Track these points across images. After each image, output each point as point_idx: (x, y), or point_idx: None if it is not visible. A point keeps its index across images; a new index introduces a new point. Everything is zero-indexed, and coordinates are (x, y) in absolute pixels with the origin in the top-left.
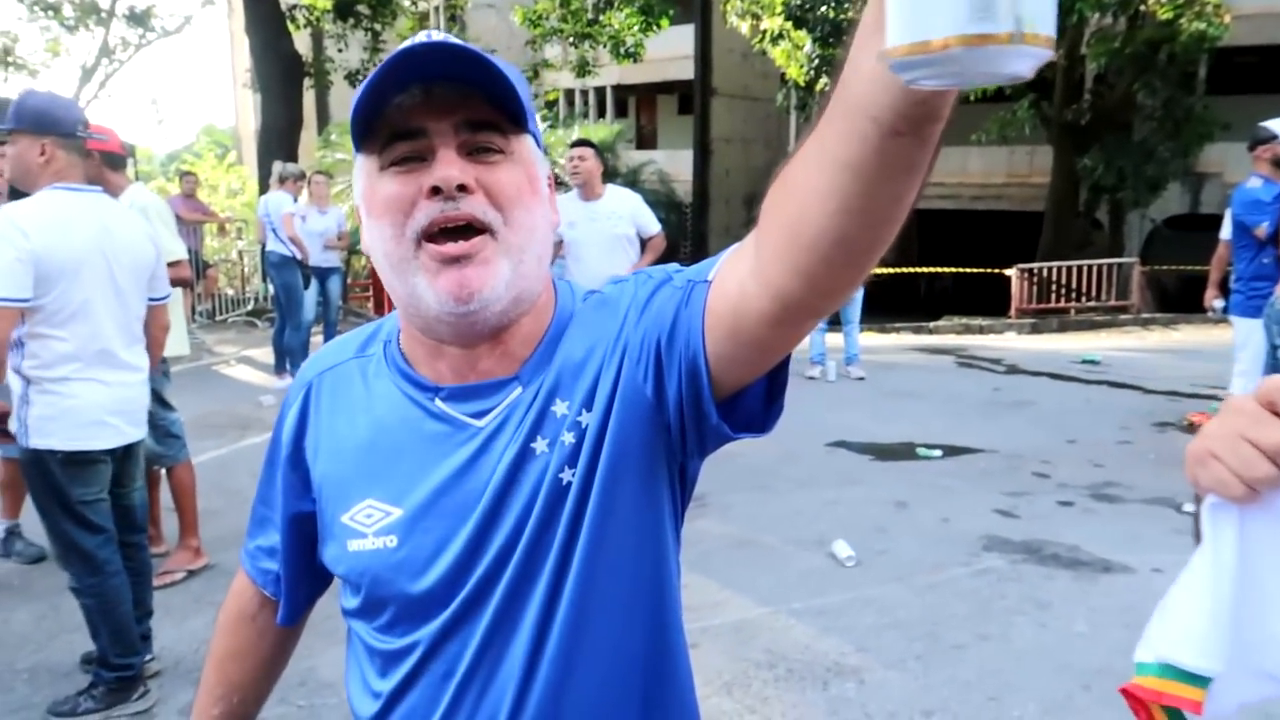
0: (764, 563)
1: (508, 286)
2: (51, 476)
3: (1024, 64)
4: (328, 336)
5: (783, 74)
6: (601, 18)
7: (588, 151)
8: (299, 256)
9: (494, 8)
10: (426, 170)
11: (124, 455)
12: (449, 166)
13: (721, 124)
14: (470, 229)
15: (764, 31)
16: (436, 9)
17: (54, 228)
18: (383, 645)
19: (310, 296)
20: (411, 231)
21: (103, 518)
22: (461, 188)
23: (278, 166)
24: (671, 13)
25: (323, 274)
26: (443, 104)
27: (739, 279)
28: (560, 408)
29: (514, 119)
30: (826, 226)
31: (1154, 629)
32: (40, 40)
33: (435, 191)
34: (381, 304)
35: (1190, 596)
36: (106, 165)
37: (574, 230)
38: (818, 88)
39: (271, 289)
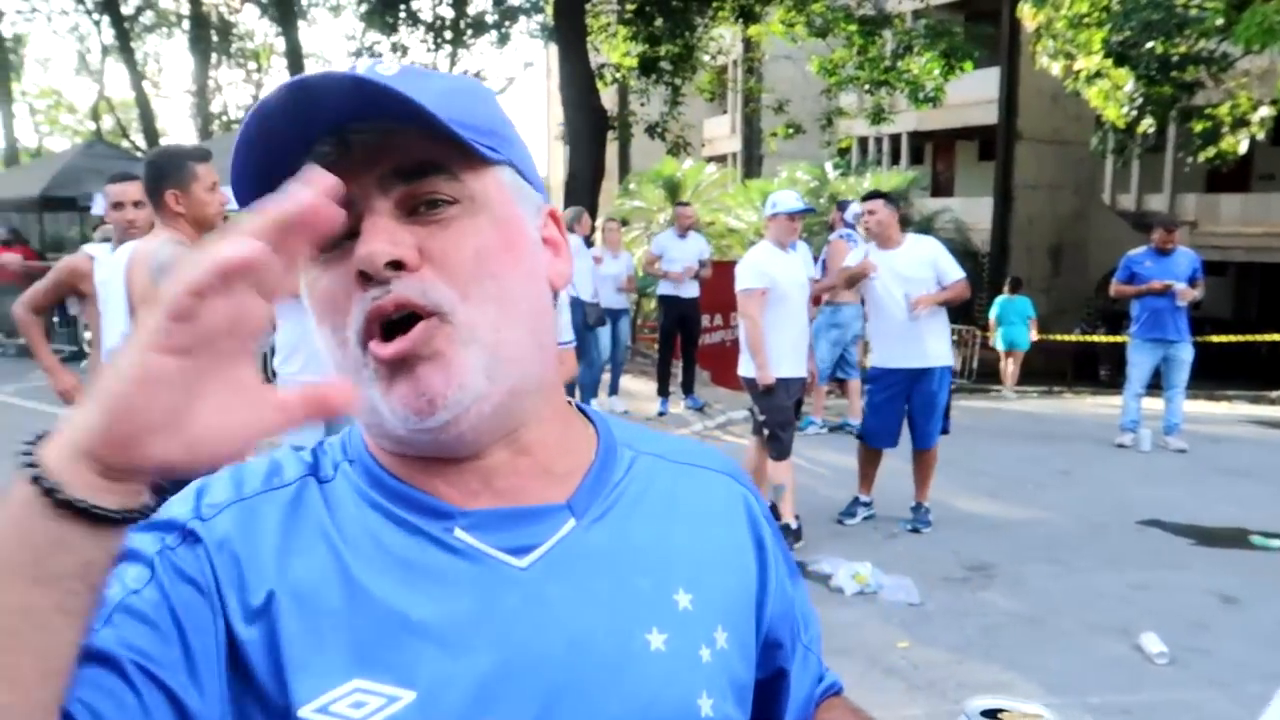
0: (1057, 646)
1: (490, 378)
2: None
3: None
4: (614, 376)
5: (1098, 116)
6: (900, 63)
7: (878, 204)
8: (583, 298)
9: (791, 59)
10: (350, 254)
11: None
12: (372, 239)
13: (1026, 169)
14: (415, 317)
15: (1078, 72)
16: (734, 62)
17: None
18: None
19: (604, 336)
20: (353, 335)
21: None
22: (396, 265)
23: (564, 214)
24: (976, 55)
25: (614, 315)
26: (364, 154)
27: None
28: (683, 599)
29: (470, 151)
30: None
31: None
32: None
33: (366, 278)
34: (671, 345)
35: None
36: None
37: (874, 280)
38: (1139, 129)
39: None
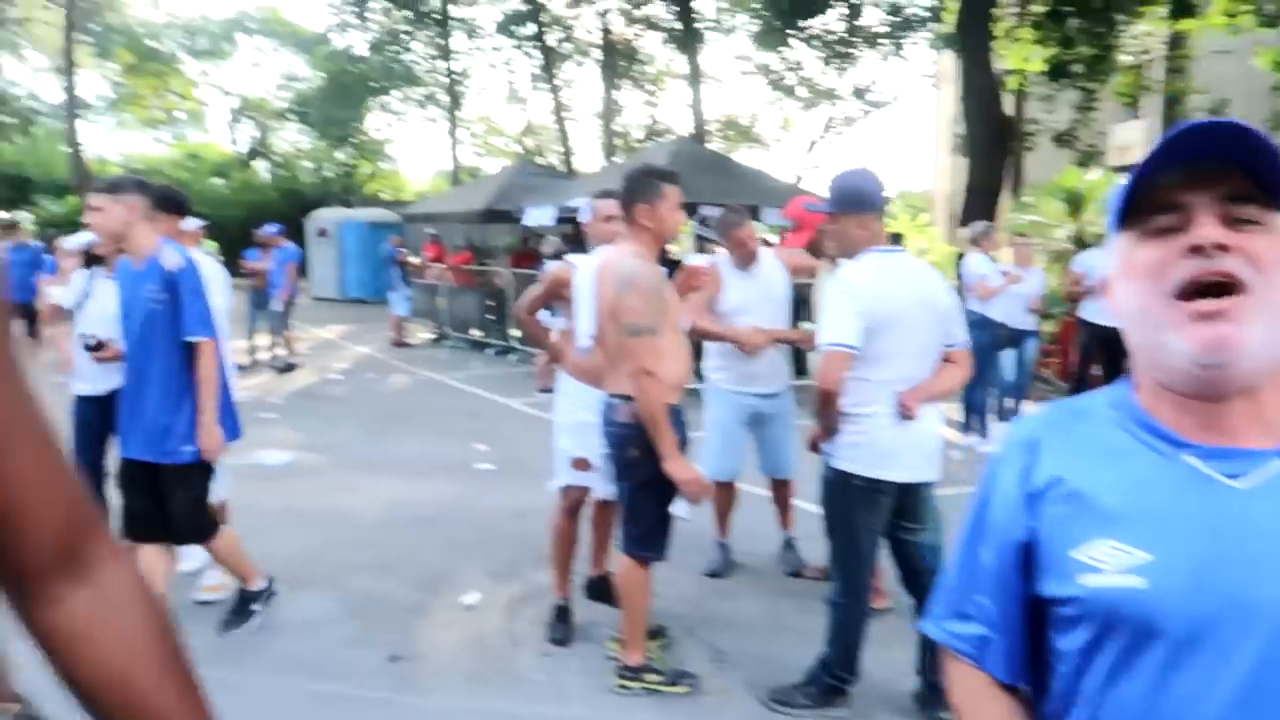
0: None
1: (1262, 346)
2: (843, 497)
3: None
4: (1017, 400)
5: None
6: None
7: None
8: (992, 317)
9: (1229, 53)
10: (1183, 237)
11: (910, 491)
12: (1208, 228)
13: None
14: (1224, 290)
15: None
16: (1154, 61)
17: (879, 287)
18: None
19: (1008, 359)
20: (1168, 288)
21: (870, 547)
22: (1221, 247)
23: (968, 229)
24: None
25: (1020, 336)
26: (1203, 179)
27: None
28: None
29: (1275, 194)
30: None
31: None
32: (774, 118)
33: (1195, 250)
34: (1088, 367)
35: None
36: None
37: None
38: None
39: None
